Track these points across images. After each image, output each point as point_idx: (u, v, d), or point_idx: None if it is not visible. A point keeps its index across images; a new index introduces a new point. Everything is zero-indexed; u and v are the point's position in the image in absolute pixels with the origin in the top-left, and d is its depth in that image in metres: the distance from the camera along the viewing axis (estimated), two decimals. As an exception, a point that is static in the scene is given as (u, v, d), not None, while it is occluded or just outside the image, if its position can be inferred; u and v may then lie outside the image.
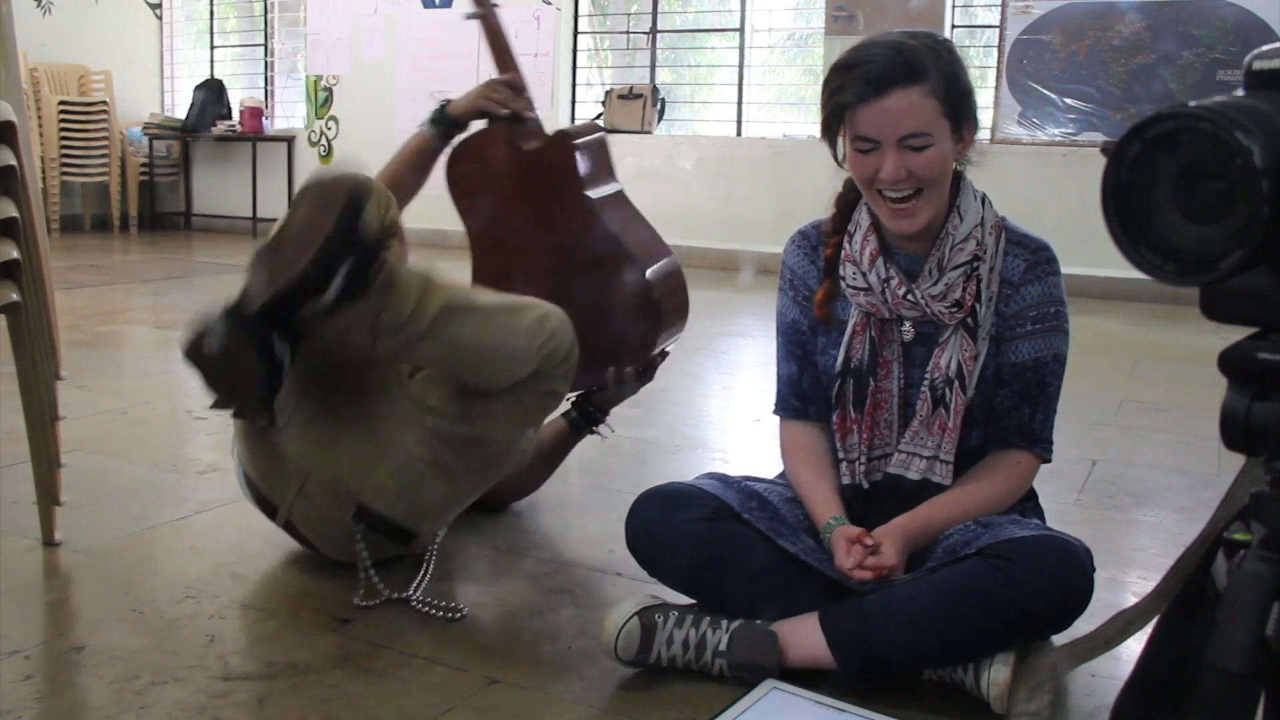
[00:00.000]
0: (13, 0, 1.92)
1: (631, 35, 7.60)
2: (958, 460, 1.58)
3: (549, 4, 7.36)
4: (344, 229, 1.49)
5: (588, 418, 2.13)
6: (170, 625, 1.65)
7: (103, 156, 7.91)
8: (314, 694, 1.45)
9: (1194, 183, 0.69)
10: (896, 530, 1.51)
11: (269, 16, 8.68)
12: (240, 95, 8.67)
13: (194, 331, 1.56)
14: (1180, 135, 0.69)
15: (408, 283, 1.60)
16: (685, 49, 7.74)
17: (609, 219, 2.01)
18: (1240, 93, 0.75)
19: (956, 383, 1.55)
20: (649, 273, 1.98)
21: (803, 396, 1.69)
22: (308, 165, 8.28)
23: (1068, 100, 6.07)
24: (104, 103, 7.91)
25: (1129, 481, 2.55)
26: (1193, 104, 0.69)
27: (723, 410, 3.39)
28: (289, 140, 8.34)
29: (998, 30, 6.18)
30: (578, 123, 2.19)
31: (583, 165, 2.02)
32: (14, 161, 1.76)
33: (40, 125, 7.47)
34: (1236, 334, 0.78)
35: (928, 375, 1.57)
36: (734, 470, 1.80)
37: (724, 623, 1.50)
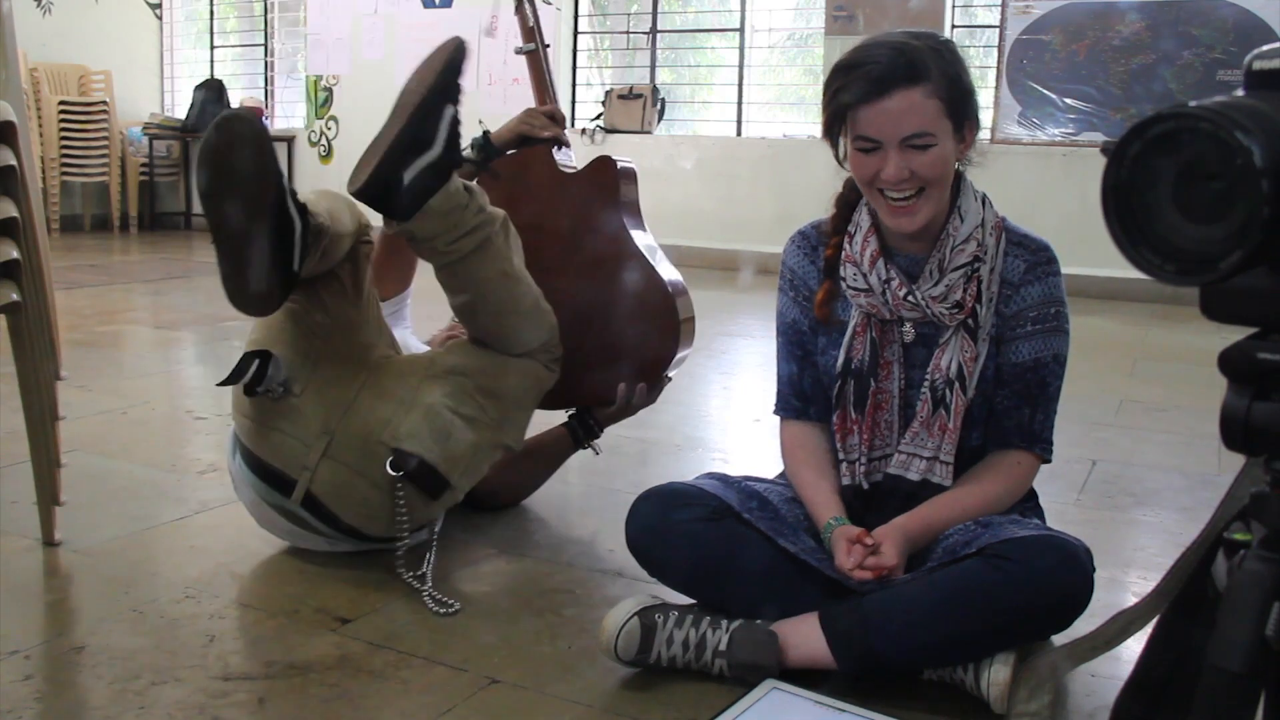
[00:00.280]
0: (13, 0, 1.92)
1: (631, 35, 7.60)
2: (958, 461, 1.58)
3: (549, 4, 7.36)
4: (447, 77, 1.65)
5: (586, 429, 2.17)
6: (170, 625, 1.65)
7: (103, 156, 7.91)
8: (314, 694, 1.45)
9: (1194, 183, 0.69)
10: (896, 530, 1.51)
11: (269, 16, 8.68)
12: (240, 95, 8.67)
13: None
14: (1180, 135, 0.69)
15: (479, 191, 1.80)
16: (685, 49, 7.75)
17: (640, 242, 2.09)
18: (1240, 93, 0.75)
19: (957, 384, 1.55)
20: (676, 296, 2.05)
21: (803, 397, 1.69)
22: (308, 165, 8.30)
23: (1068, 100, 6.07)
24: (104, 103, 7.91)
25: (1129, 481, 2.55)
26: (1193, 104, 0.68)
27: (723, 410, 3.39)
28: (289, 140, 8.34)
29: (998, 30, 6.18)
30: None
31: (623, 190, 2.13)
32: (14, 161, 1.76)
33: (40, 125, 7.47)
34: (1236, 334, 0.78)
35: (928, 376, 1.57)
36: (734, 470, 1.80)
37: (724, 623, 1.50)
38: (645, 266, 2.06)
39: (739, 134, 7.16)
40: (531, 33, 2.22)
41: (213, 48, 9.00)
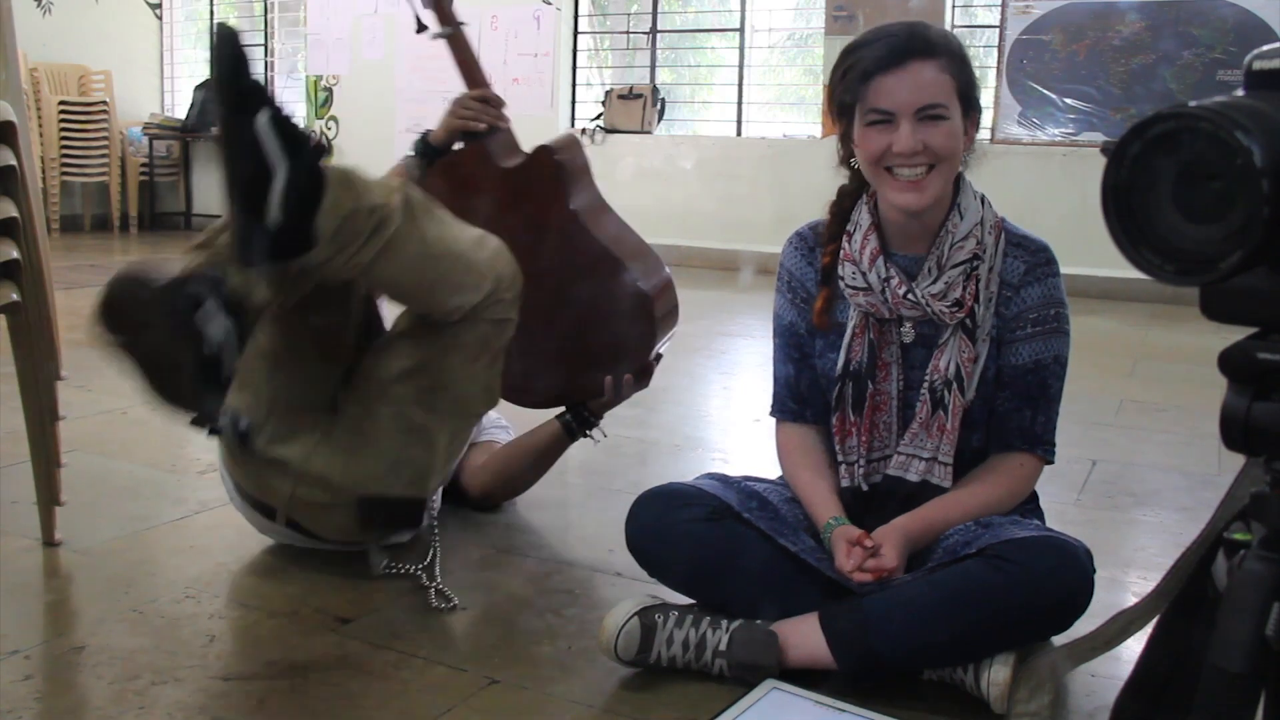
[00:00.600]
0: (13, 0, 1.92)
1: (631, 35, 7.60)
2: (960, 463, 1.58)
3: (549, 4, 7.36)
4: (232, 86, 1.35)
5: (582, 421, 2.11)
6: (170, 625, 1.65)
7: (103, 156, 7.91)
8: (314, 694, 1.45)
9: (1194, 183, 0.69)
10: (897, 532, 1.51)
11: (269, 16, 8.68)
12: (240, 95, 8.66)
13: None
14: (1180, 135, 0.69)
15: (364, 179, 1.49)
16: (685, 49, 7.75)
17: (595, 228, 2.02)
18: (1240, 93, 0.75)
19: (955, 384, 1.55)
20: (640, 278, 1.98)
21: (800, 399, 1.69)
22: (308, 165, 8.28)
23: (1068, 100, 6.07)
24: (104, 103, 7.91)
25: (1129, 481, 2.55)
26: (1193, 104, 0.68)
27: (723, 410, 3.39)
28: (289, 140, 8.33)
29: (998, 30, 6.18)
30: (555, 137, 2.20)
31: (566, 177, 2.03)
32: (14, 161, 1.76)
33: (40, 125, 7.47)
34: (1236, 334, 0.78)
35: (927, 377, 1.57)
36: (734, 470, 1.80)
37: (724, 623, 1.50)
38: (606, 259, 1.98)
39: (739, 134, 7.16)
40: (449, 15, 2.07)
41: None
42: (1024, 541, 1.43)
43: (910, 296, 1.55)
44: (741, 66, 7.13)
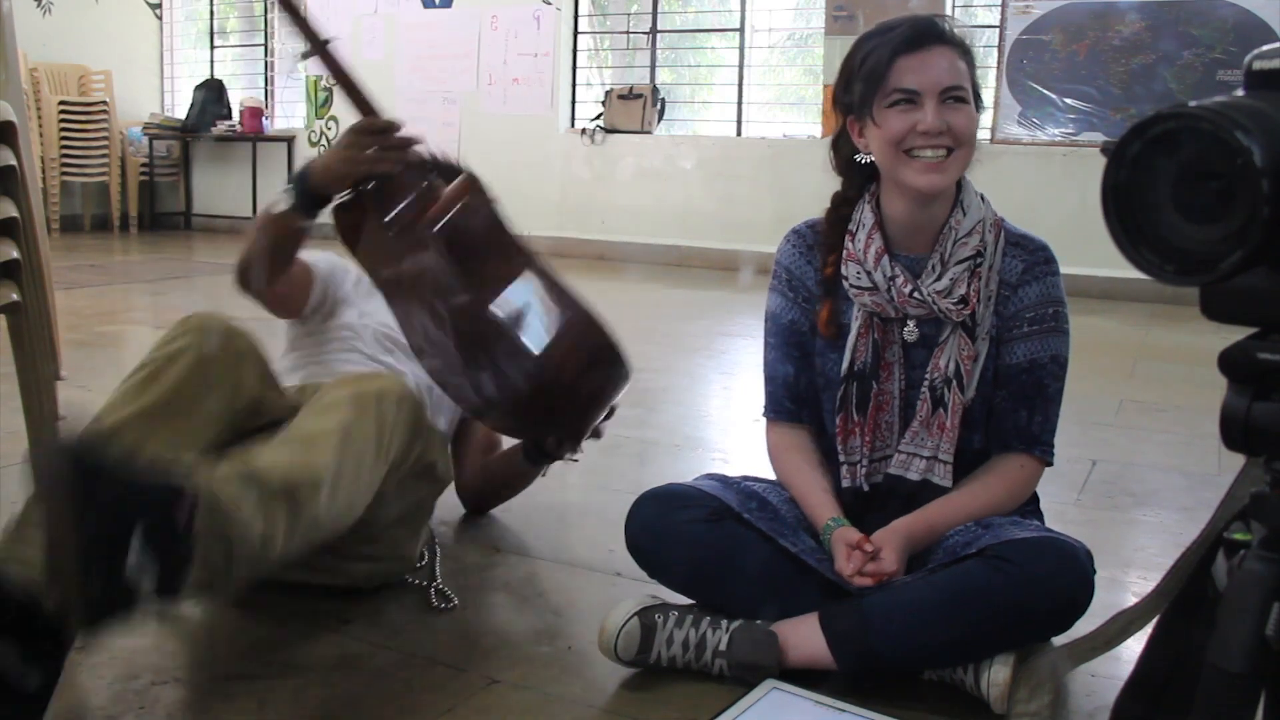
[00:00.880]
0: (13, 0, 1.92)
1: (631, 35, 7.60)
2: (962, 464, 1.58)
3: (549, 4, 7.36)
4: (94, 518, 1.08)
5: (540, 457, 1.91)
6: (170, 625, 1.65)
7: (103, 156, 7.91)
8: (314, 694, 1.45)
9: (1194, 183, 0.69)
10: (897, 535, 1.51)
11: (269, 16, 8.68)
12: (240, 95, 8.67)
13: None
14: (1180, 135, 0.69)
15: (234, 500, 1.23)
16: (685, 49, 7.74)
17: (499, 308, 1.57)
18: (1240, 93, 0.75)
19: (954, 382, 1.55)
20: (561, 366, 1.57)
21: (797, 399, 1.68)
22: (308, 165, 8.28)
23: (1068, 100, 6.07)
24: (104, 103, 7.91)
25: (1129, 481, 2.55)
26: (1193, 104, 0.69)
27: (723, 410, 3.39)
28: (289, 140, 8.33)
29: (998, 30, 6.18)
30: (447, 189, 1.63)
31: (455, 249, 1.59)
32: (14, 161, 1.76)
33: (40, 125, 7.47)
34: (1236, 334, 0.78)
35: (928, 376, 1.57)
36: (734, 470, 1.80)
37: (724, 623, 1.50)
38: (515, 350, 1.55)
39: (739, 134, 7.16)
40: (310, 31, 1.68)
41: (213, 48, 9.00)
42: (1024, 542, 1.43)
43: (916, 294, 1.54)
44: (741, 66, 7.13)
